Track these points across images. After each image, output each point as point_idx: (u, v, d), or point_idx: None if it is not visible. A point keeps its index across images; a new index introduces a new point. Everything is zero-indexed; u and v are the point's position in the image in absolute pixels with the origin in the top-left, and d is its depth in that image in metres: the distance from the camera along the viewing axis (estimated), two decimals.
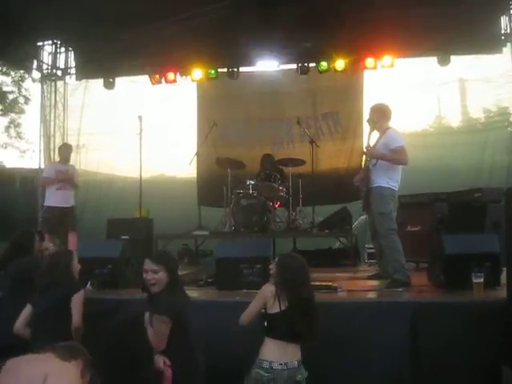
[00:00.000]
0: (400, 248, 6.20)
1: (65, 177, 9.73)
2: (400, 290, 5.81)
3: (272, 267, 4.41)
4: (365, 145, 6.93)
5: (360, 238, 9.72)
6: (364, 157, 6.88)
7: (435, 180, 10.32)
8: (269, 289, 4.18)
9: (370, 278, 7.04)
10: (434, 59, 10.75)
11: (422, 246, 7.44)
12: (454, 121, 13.01)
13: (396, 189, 6.45)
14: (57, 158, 12.52)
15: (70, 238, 9.47)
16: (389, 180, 6.36)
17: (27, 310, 4.59)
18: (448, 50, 10.50)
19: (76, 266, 4.92)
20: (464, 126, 12.44)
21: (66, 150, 10.32)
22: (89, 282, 5.83)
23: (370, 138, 6.75)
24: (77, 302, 4.56)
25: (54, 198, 9.72)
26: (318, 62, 11.06)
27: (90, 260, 6.05)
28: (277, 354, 4.03)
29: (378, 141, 6.59)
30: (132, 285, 6.19)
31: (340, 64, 10.84)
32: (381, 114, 6.65)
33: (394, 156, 6.28)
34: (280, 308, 4.07)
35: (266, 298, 4.15)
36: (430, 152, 12.00)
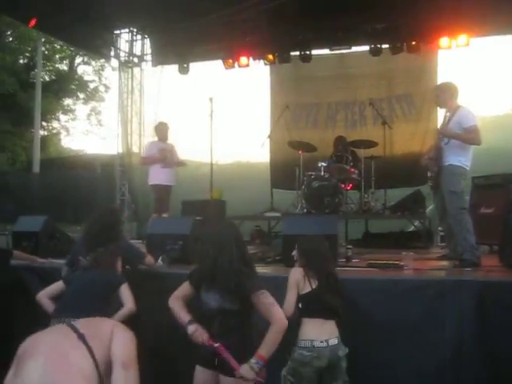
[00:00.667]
0: (470, 227, 6.09)
1: (167, 154, 9.56)
2: (469, 269, 5.73)
3: (294, 253, 4.64)
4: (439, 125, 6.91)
5: (433, 222, 9.57)
6: (437, 136, 6.75)
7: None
8: (298, 272, 4.34)
9: (439, 258, 6.95)
10: (510, 38, 10.41)
11: (496, 228, 7.17)
12: None
13: (468, 168, 6.32)
14: (135, 143, 12.98)
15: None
16: (461, 158, 6.25)
17: (59, 286, 4.65)
18: None
19: (119, 265, 4.97)
20: None
21: (163, 128, 10.00)
22: (160, 258, 6.00)
23: (445, 118, 6.63)
24: (125, 291, 4.60)
25: (160, 176, 9.55)
26: (390, 43, 10.93)
27: (162, 236, 6.25)
28: (316, 332, 4.13)
29: (449, 119, 6.48)
30: None
31: (413, 44, 10.68)
32: (450, 93, 6.52)
33: (468, 135, 6.17)
34: (311, 287, 4.23)
35: (298, 281, 4.28)
36: (508, 134, 11.70)
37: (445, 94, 6.59)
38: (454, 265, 6.10)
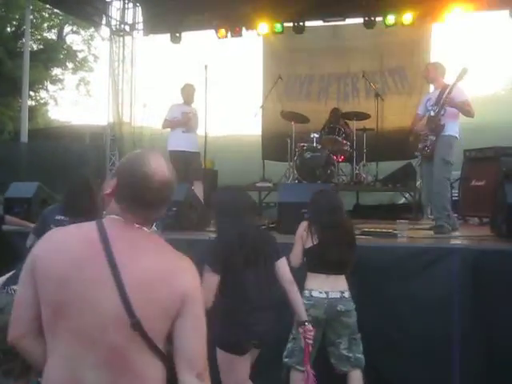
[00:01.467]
0: (449, 197, 6.67)
1: (190, 118, 8.75)
2: (445, 236, 6.14)
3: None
4: (429, 96, 7.09)
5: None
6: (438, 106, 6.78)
7: (504, 137, 10.10)
8: (302, 226, 4.41)
9: (431, 229, 7.04)
10: (505, 13, 10.34)
11: (487, 201, 7.27)
12: None
13: (458, 138, 6.63)
14: (126, 112, 12.89)
15: (195, 187, 8.12)
16: (456, 129, 6.57)
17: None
18: None
19: None
20: None
21: (189, 89, 9.10)
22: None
23: (452, 90, 6.67)
24: None
25: (179, 142, 8.69)
26: (384, 16, 10.87)
27: None
28: (317, 284, 4.23)
29: (439, 94, 6.63)
30: (196, 227, 6.44)
31: (407, 17, 10.62)
32: (440, 71, 6.91)
33: (465, 107, 6.44)
34: (313, 242, 4.29)
35: (301, 235, 4.37)
36: (501, 108, 11.73)
37: (436, 71, 6.95)
38: (434, 232, 6.44)
